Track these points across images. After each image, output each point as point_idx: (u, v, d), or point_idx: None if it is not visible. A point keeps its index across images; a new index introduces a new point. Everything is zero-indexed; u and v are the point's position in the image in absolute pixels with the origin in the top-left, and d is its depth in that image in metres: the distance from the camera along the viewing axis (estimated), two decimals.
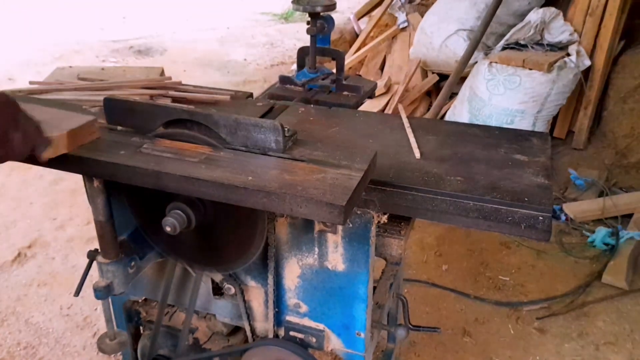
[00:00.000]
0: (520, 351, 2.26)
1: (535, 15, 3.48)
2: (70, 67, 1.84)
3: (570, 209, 3.10)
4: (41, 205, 3.35)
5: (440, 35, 3.90)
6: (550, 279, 2.67)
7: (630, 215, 3.05)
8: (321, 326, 1.27)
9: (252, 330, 1.35)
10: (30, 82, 1.50)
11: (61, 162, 1.00)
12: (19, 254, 2.88)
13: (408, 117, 1.46)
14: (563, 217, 3.08)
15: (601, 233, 2.88)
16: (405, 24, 4.53)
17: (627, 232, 2.86)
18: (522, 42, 3.54)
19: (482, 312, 2.47)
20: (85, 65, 4.57)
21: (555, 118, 3.65)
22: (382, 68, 4.64)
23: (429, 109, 4.06)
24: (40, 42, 6.51)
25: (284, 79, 1.80)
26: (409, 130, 1.39)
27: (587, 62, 3.45)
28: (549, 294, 2.57)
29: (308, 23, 1.69)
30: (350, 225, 1.12)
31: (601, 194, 3.26)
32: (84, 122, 1.03)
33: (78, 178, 1.18)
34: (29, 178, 3.64)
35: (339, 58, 1.75)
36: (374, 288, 1.41)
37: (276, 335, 1.31)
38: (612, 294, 2.55)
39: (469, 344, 2.31)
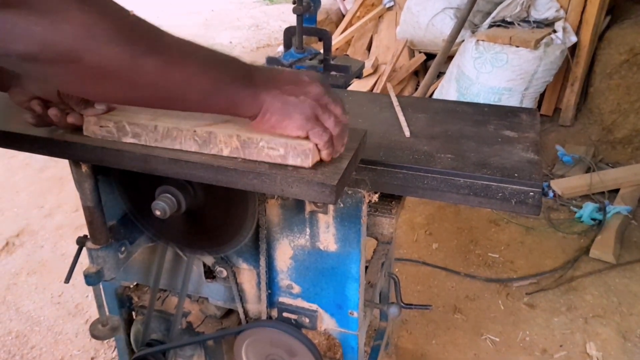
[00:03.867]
0: (510, 326, 2.30)
1: None
2: None
3: (558, 185, 3.13)
4: (28, 194, 3.32)
5: (426, 14, 3.88)
6: (539, 254, 2.70)
7: (616, 191, 3.09)
8: (314, 306, 1.28)
9: (245, 313, 1.35)
10: None
11: (47, 148, 0.98)
12: (7, 243, 2.85)
13: (397, 96, 1.46)
14: (551, 194, 3.11)
15: (588, 208, 2.91)
16: (392, 4, 4.50)
17: (614, 207, 2.89)
18: (508, 20, 3.53)
19: (472, 289, 2.50)
20: None
21: (542, 95, 3.66)
22: (369, 48, 4.61)
23: (416, 89, 4.05)
24: None
25: (271, 60, 1.78)
26: (398, 109, 1.38)
27: (574, 39, 3.45)
28: (538, 269, 2.60)
29: (294, 2, 1.67)
30: (342, 205, 1.12)
31: (588, 170, 3.29)
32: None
33: (64, 165, 1.16)
34: (15, 166, 3.60)
35: (326, 38, 1.73)
36: (366, 268, 1.42)
37: (269, 317, 1.32)
38: (600, 268, 2.59)
39: (459, 320, 2.33)
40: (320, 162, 0.89)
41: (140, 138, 0.94)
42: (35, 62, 0.69)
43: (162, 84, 0.77)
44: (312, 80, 0.88)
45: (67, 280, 1.21)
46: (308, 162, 0.87)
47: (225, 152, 0.91)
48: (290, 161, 0.88)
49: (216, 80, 0.81)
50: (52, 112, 0.94)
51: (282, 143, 0.87)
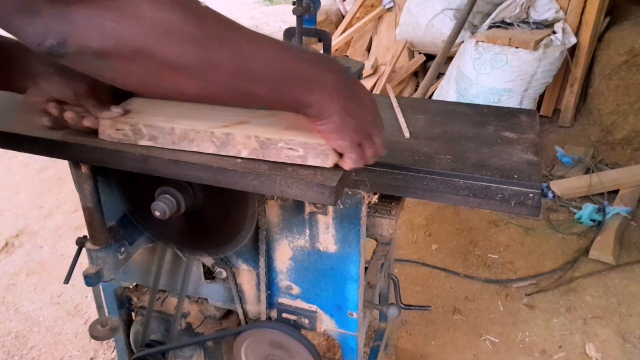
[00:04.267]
0: (509, 327, 2.30)
1: None
2: None
3: (557, 186, 3.13)
4: (28, 194, 3.32)
5: (426, 15, 3.88)
6: (539, 255, 2.70)
7: (616, 192, 3.09)
8: (314, 307, 1.28)
9: (245, 313, 1.35)
10: None
11: (46, 148, 0.98)
12: (6, 244, 2.85)
13: (396, 97, 1.46)
14: (550, 195, 3.11)
15: (588, 209, 2.91)
16: (391, 4, 4.50)
17: (613, 208, 2.89)
18: (508, 21, 3.53)
19: (471, 289, 2.50)
20: None
21: (541, 96, 3.67)
22: (368, 49, 4.61)
23: (416, 90, 4.06)
24: None
25: None
26: (397, 110, 1.38)
27: (573, 40, 3.45)
28: (537, 270, 2.60)
29: (294, 3, 1.67)
30: (341, 206, 1.12)
31: (587, 171, 3.29)
32: None
33: (64, 165, 1.16)
34: (14, 167, 3.59)
35: (325, 38, 1.72)
36: (365, 268, 1.42)
37: (269, 318, 1.32)
38: (600, 269, 2.59)
39: (459, 321, 2.34)
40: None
41: (157, 141, 0.93)
42: (109, 59, 0.69)
43: (234, 77, 0.76)
44: (372, 105, 0.89)
45: (67, 280, 1.21)
46: (328, 163, 0.86)
47: (244, 154, 0.90)
48: (310, 162, 0.87)
49: (292, 77, 0.80)
50: (68, 115, 0.93)
51: (301, 144, 0.86)
